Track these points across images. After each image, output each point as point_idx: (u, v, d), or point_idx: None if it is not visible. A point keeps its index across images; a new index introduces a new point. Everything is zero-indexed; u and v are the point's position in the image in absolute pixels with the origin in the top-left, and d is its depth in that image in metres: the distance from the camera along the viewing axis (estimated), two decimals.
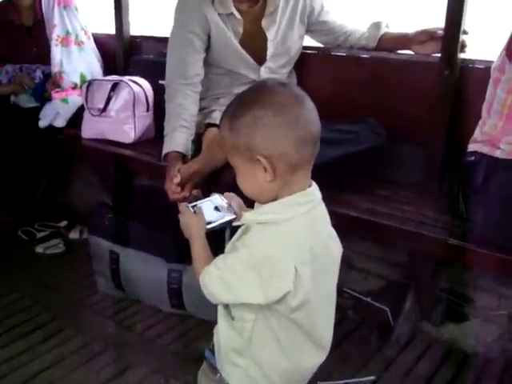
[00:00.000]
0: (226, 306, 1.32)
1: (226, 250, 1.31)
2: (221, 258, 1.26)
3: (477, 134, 1.92)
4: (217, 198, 1.38)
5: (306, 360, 1.32)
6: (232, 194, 1.42)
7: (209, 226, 1.35)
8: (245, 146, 1.17)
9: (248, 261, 1.17)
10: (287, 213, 1.19)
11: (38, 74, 3.04)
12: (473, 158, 1.89)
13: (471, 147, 1.93)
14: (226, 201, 1.38)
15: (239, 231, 1.29)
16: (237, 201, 1.40)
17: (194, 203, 1.37)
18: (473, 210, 1.84)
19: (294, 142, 1.16)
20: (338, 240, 1.32)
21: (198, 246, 1.33)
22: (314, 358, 1.33)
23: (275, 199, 1.21)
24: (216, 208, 1.36)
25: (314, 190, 1.25)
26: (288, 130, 1.16)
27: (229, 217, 1.35)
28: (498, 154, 1.81)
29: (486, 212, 1.77)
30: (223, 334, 1.34)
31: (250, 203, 1.35)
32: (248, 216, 1.25)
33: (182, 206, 1.37)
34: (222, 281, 1.22)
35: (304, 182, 1.23)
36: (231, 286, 1.21)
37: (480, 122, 1.92)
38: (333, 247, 1.30)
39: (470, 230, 1.81)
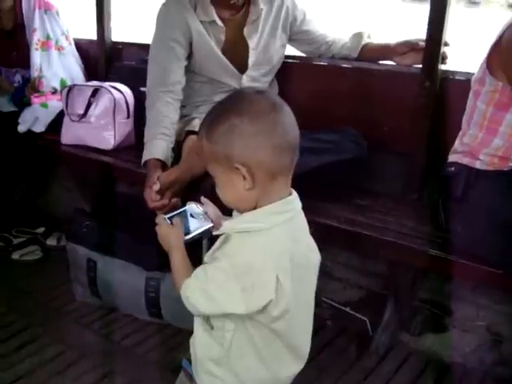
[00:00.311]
0: (205, 316, 1.30)
1: (206, 259, 1.30)
2: (201, 268, 1.25)
3: (457, 145, 1.94)
4: (193, 207, 1.39)
5: (284, 370, 1.31)
6: (207, 201, 1.42)
7: (187, 237, 1.35)
8: (223, 155, 1.17)
9: (229, 271, 1.16)
10: (267, 221, 1.19)
11: (18, 78, 3.01)
12: (453, 168, 1.90)
13: (451, 158, 1.94)
14: (201, 209, 1.39)
15: (219, 241, 1.27)
16: (212, 208, 1.41)
17: (171, 214, 1.37)
18: (452, 221, 1.84)
19: (271, 149, 1.16)
20: (316, 249, 1.32)
21: (178, 258, 1.32)
22: (292, 367, 1.32)
23: (255, 208, 1.21)
24: (192, 217, 1.37)
25: (295, 199, 1.24)
26: (265, 137, 1.16)
27: (206, 226, 1.36)
28: (477, 165, 1.83)
29: (466, 223, 1.77)
30: (201, 343, 1.33)
31: (229, 211, 1.34)
32: (228, 225, 1.24)
33: (158, 218, 1.37)
34: (203, 292, 1.21)
35: (284, 190, 1.23)
36: (213, 297, 1.20)
37: (460, 134, 1.93)
38: (312, 257, 1.30)
39: (450, 241, 1.81)
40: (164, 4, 2.29)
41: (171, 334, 2.31)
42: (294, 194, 1.25)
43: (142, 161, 2.15)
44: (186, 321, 2.25)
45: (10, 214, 3.24)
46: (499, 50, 1.77)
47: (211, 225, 1.37)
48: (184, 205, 1.41)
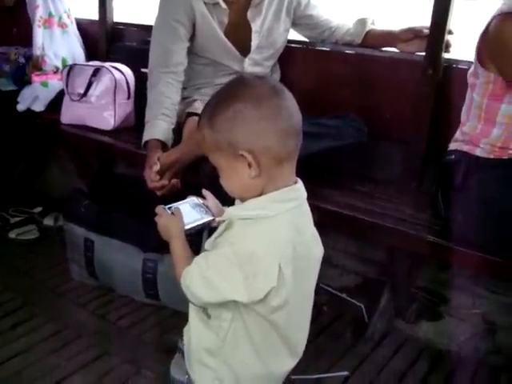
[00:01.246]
0: (199, 306, 1.28)
1: (206, 246, 1.28)
2: (202, 256, 1.23)
3: (457, 134, 1.95)
4: (193, 200, 1.37)
5: (278, 365, 1.30)
6: (208, 193, 1.40)
7: (187, 227, 1.33)
8: (226, 143, 1.15)
9: (232, 258, 1.14)
10: (272, 209, 1.16)
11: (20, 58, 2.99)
12: (453, 156, 1.91)
13: (452, 146, 1.95)
14: (202, 201, 1.37)
15: (221, 227, 1.24)
16: (213, 200, 1.39)
17: (171, 205, 1.35)
18: (451, 209, 1.84)
19: (276, 134, 1.14)
20: (320, 242, 1.30)
21: (178, 247, 1.30)
22: (287, 363, 1.31)
23: (260, 196, 1.19)
24: (193, 209, 1.35)
25: (300, 187, 1.22)
26: (270, 122, 1.14)
27: (207, 218, 1.34)
28: (478, 152, 1.84)
29: (465, 211, 1.78)
30: (196, 333, 1.32)
31: (229, 203, 1.32)
32: (231, 211, 1.22)
33: (158, 208, 1.35)
34: (204, 279, 1.19)
35: (289, 177, 1.21)
36: (214, 285, 1.17)
37: (460, 124, 1.94)
38: (315, 249, 1.28)
39: (448, 228, 1.81)
40: None
41: (167, 316, 2.31)
42: (300, 182, 1.23)
43: (143, 141, 2.14)
44: (182, 303, 2.25)
45: (8, 193, 3.23)
46: (486, 42, 1.79)
47: (212, 217, 1.35)
48: (184, 196, 1.41)
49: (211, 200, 1.39)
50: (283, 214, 1.17)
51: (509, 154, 1.81)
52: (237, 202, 1.29)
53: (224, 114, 1.14)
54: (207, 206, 1.36)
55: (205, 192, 1.41)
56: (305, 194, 1.23)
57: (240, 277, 1.14)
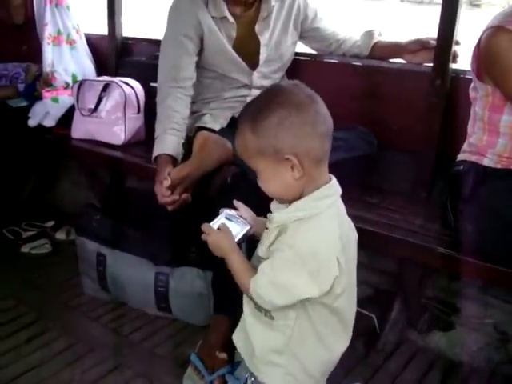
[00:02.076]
0: (260, 309, 1.36)
1: (261, 254, 1.34)
2: (265, 265, 1.29)
3: (465, 146, 1.96)
4: (228, 212, 1.42)
5: (338, 347, 1.40)
6: (240, 204, 1.47)
7: (236, 239, 1.39)
8: (271, 148, 1.23)
9: (295, 259, 1.23)
10: (318, 207, 1.27)
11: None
12: (461, 167, 1.91)
13: (460, 156, 1.96)
14: (235, 212, 1.43)
15: (272, 234, 1.31)
16: (246, 210, 1.46)
17: (212, 222, 1.40)
18: (461, 220, 1.85)
19: (316, 137, 1.25)
20: (354, 228, 1.41)
21: (237, 259, 1.36)
22: (344, 343, 1.42)
23: (300, 196, 1.28)
24: (231, 221, 1.41)
25: (335, 183, 1.33)
26: (311, 127, 1.24)
27: (246, 227, 1.41)
28: (485, 162, 1.85)
29: (474, 221, 1.78)
30: (259, 337, 1.39)
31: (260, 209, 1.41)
32: (282, 216, 1.30)
33: (205, 227, 1.40)
34: (274, 285, 1.27)
35: (325, 175, 1.31)
36: (286, 288, 1.26)
37: (467, 136, 1.96)
38: (352, 235, 1.39)
39: (459, 239, 1.81)
40: (176, 0, 2.29)
41: (180, 329, 2.32)
42: (334, 178, 1.33)
43: (153, 156, 2.15)
44: (194, 315, 2.29)
45: (20, 207, 3.26)
46: (479, 56, 1.83)
47: (250, 226, 1.42)
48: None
49: (243, 210, 1.46)
50: (327, 210, 1.28)
51: None
52: (273, 206, 1.36)
53: (269, 120, 1.23)
54: (241, 216, 1.43)
55: (236, 203, 1.47)
56: (340, 189, 1.33)
57: (306, 275, 1.24)
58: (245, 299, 1.45)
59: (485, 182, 1.83)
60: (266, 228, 1.36)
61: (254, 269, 1.34)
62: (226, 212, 1.42)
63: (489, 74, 1.81)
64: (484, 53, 1.80)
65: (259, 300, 1.31)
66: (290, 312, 1.32)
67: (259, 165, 1.28)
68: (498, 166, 1.83)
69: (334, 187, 1.32)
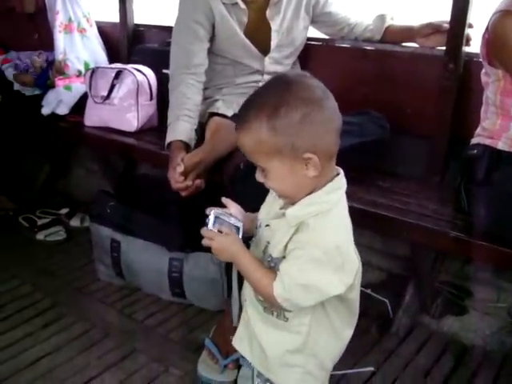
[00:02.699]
0: (271, 312, 1.32)
1: (277, 255, 1.27)
2: (290, 265, 1.23)
3: (479, 130, 1.95)
4: (218, 212, 1.34)
5: (349, 333, 1.40)
6: (229, 200, 1.40)
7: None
8: (289, 146, 1.17)
9: (321, 257, 1.19)
10: (331, 200, 1.24)
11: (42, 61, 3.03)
12: (475, 151, 1.90)
13: (474, 140, 1.94)
14: (225, 210, 1.36)
15: (288, 231, 1.25)
16: (235, 207, 1.40)
17: (209, 225, 1.31)
18: (475, 204, 1.84)
19: (334, 133, 1.21)
20: None
21: (249, 260, 1.29)
22: (353, 327, 1.40)
23: (312, 191, 1.23)
24: (224, 221, 1.33)
25: (342, 175, 1.29)
26: (330, 123, 1.20)
27: (240, 223, 1.34)
28: (500, 145, 1.83)
29: (488, 205, 1.77)
30: (271, 340, 1.35)
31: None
32: (299, 212, 1.23)
33: (206, 232, 1.31)
34: (303, 287, 1.22)
35: (334, 168, 1.27)
36: (316, 288, 1.22)
37: (480, 121, 1.94)
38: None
39: (472, 223, 1.81)
40: None
41: (194, 314, 2.34)
42: (341, 170, 1.30)
43: (166, 142, 2.16)
44: (208, 301, 2.30)
45: (34, 195, 3.29)
46: (488, 41, 1.81)
47: (242, 222, 1.35)
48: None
49: (232, 206, 1.39)
50: (338, 201, 1.26)
51: None
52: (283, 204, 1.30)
53: (291, 117, 1.15)
54: (231, 214, 1.36)
55: (225, 200, 1.41)
56: (345, 180, 1.30)
57: (332, 272, 1.21)
58: (249, 303, 1.40)
59: (499, 166, 1.81)
60: (267, 225, 1.31)
61: (270, 269, 1.29)
62: (215, 211, 1.33)
63: (498, 58, 1.80)
64: (492, 37, 1.79)
65: (285, 303, 1.24)
66: (304, 310, 1.28)
67: (272, 163, 1.20)
68: None
69: (342, 179, 1.28)
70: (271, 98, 1.18)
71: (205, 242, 1.31)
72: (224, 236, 1.30)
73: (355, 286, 1.30)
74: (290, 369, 1.35)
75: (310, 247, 1.19)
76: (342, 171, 1.29)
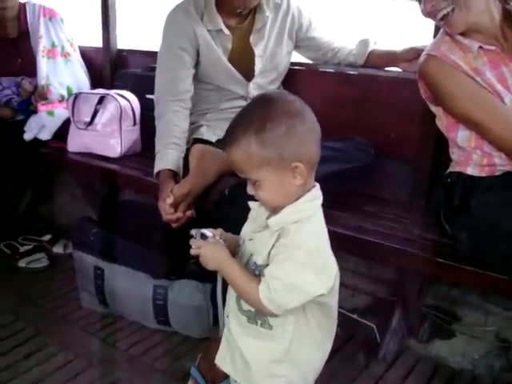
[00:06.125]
0: (256, 322, 1.36)
1: (261, 262, 1.33)
2: (275, 269, 1.28)
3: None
4: (200, 230, 1.41)
5: (329, 345, 1.44)
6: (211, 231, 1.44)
7: None
8: (277, 157, 1.24)
9: (304, 259, 1.25)
10: (312, 207, 1.32)
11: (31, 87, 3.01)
12: (449, 179, 1.91)
13: (449, 169, 1.95)
14: (210, 230, 1.42)
15: (271, 239, 1.31)
16: (213, 230, 1.44)
17: (196, 239, 1.39)
18: (455, 230, 1.84)
19: (316, 143, 1.30)
20: None
21: (237, 267, 1.34)
22: (331, 340, 1.45)
23: (295, 200, 1.30)
24: (208, 236, 1.40)
25: (318, 186, 1.36)
26: (312, 133, 1.29)
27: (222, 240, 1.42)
28: (469, 171, 1.85)
29: (468, 232, 1.77)
30: (255, 351, 1.38)
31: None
32: (282, 219, 1.30)
33: (195, 242, 1.38)
34: (287, 288, 1.27)
35: (313, 178, 1.35)
36: (299, 289, 1.27)
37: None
38: None
39: (456, 248, 1.81)
40: (171, 13, 2.30)
41: (178, 342, 2.31)
42: (316, 182, 1.37)
43: (154, 171, 2.15)
44: (193, 328, 2.28)
45: (16, 221, 3.25)
46: (421, 83, 1.91)
47: (222, 241, 1.42)
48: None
49: (211, 230, 1.44)
50: (317, 209, 1.34)
51: (500, 170, 1.81)
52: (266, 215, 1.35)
53: (277, 130, 1.24)
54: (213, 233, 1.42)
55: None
56: (321, 192, 1.37)
57: (314, 273, 1.27)
58: (231, 318, 1.44)
59: (474, 192, 1.81)
60: (250, 239, 1.38)
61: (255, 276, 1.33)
62: (197, 231, 1.40)
63: (434, 98, 1.88)
64: (423, 80, 1.87)
65: (271, 306, 1.28)
66: (289, 317, 1.33)
67: (262, 175, 1.27)
68: (483, 175, 1.83)
69: (319, 190, 1.35)
70: (256, 115, 1.27)
71: (193, 251, 1.38)
72: (211, 244, 1.38)
73: (335, 293, 1.36)
74: (273, 379, 1.38)
75: (293, 250, 1.26)
76: (317, 184, 1.36)
